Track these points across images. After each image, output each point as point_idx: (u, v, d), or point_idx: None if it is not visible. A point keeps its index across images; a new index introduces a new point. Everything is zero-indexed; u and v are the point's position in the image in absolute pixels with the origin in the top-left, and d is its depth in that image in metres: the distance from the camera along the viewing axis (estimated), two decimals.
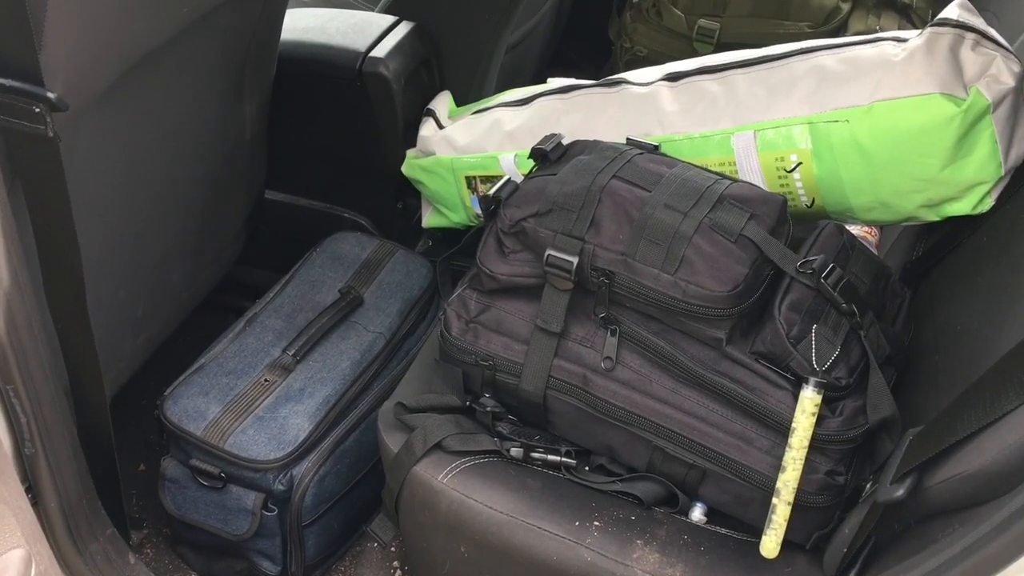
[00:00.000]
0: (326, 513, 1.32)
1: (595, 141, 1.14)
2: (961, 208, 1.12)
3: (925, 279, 1.19)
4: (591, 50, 2.09)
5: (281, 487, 1.27)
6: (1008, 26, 1.43)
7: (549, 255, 1.02)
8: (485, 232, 1.09)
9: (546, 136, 1.17)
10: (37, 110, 0.88)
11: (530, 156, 1.16)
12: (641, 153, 1.10)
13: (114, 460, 1.20)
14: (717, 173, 1.11)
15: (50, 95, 0.88)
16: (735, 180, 1.10)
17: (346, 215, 1.68)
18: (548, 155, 1.13)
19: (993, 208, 1.11)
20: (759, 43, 1.59)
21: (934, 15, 1.65)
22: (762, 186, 1.18)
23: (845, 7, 1.57)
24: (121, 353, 1.33)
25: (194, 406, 1.29)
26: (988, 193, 1.11)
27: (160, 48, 1.11)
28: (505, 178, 1.11)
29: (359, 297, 1.45)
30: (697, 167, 1.11)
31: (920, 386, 1.02)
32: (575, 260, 1.01)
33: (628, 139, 1.17)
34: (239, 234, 1.60)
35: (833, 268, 0.99)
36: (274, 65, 1.47)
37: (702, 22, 1.60)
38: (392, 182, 1.63)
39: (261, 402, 1.30)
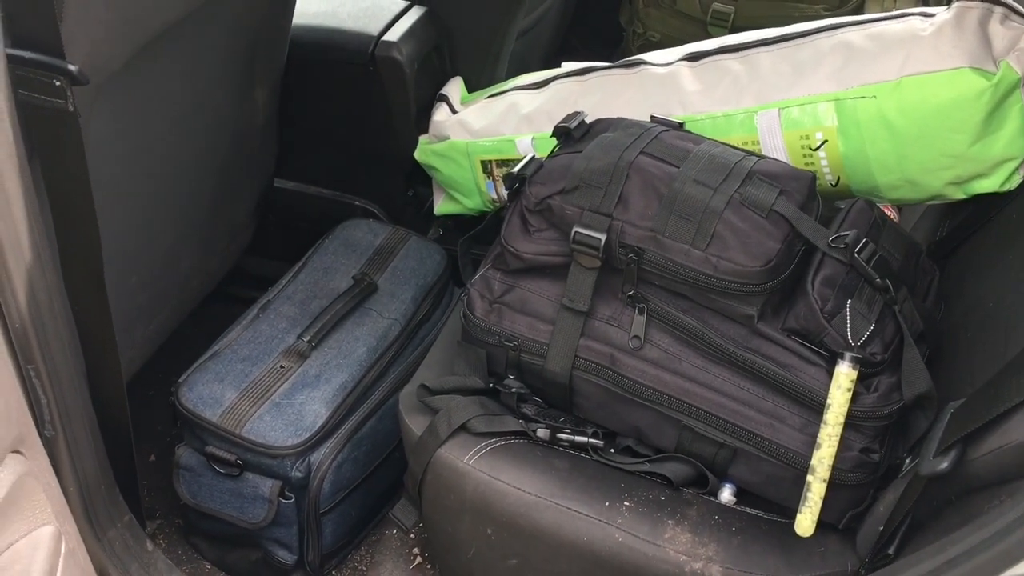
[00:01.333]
0: (344, 500, 1.30)
1: (619, 119, 1.13)
2: (989, 185, 1.11)
3: (952, 258, 1.18)
4: (598, 40, 2.07)
5: (299, 474, 1.25)
6: None
7: (576, 232, 1.01)
8: (509, 211, 1.08)
9: (569, 114, 1.15)
10: (58, 83, 0.87)
11: (553, 134, 1.14)
12: (667, 130, 1.09)
13: (131, 445, 1.18)
14: (745, 150, 1.09)
15: (71, 67, 0.86)
16: (762, 157, 1.08)
17: (357, 203, 1.67)
18: (572, 133, 1.11)
19: (1022, 185, 1.10)
20: (775, 26, 1.58)
21: None
22: (787, 162, 1.16)
23: None
24: (132, 341, 1.31)
25: (210, 392, 1.27)
26: (1017, 169, 1.10)
27: (175, 28, 1.09)
28: (529, 155, 1.09)
29: (373, 283, 1.43)
30: (724, 144, 1.10)
31: (953, 363, 1.00)
32: (603, 237, 0.99)
33: (652, 116, 1.16)
34: (248, 222, 1.58)
35: (866, 243, 0.98)
36: (285, 50, 1.45)
37: (716, 5, 1.58)
38: (403, 169, 1.61)
39: (277, 388, 1.28)
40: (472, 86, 1.57)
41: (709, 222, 0.97)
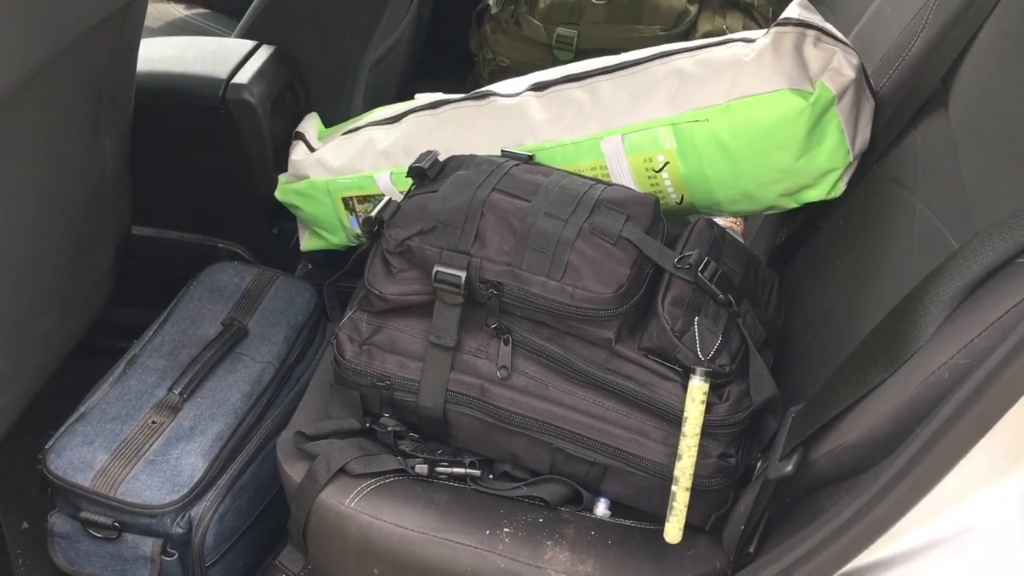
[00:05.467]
0: (229, 551, 1.29)
1: (471, 156, 1.16)
2: (817, 194, 1.20)
3: (790, 263, 1.27)
4: (455, 61, 2.11)
5: (180, 530, 1.24)
6: (842, 18, 1.53)
7: (437, 271, 1.04)
8: (371, 253, 1.10)
9: (422, 154, 1.18)
10: None
11: (408, 174, 1.17)
12: (517, 164, 1.13)
13: None
14: (591, 178, 1.15)
15: None
16: (609, 184, 1.14)
17: (220, 245, 1.65)
18: (426, 172, 1.14)
19: (845, 192, 1.19)
20: (616, 47, 1.65)
21: (775, 13, 1.76)
22: (633, 186, 1.22)
23: (693, 9, 1.65)
24: None
25: (79, 456, 1.24)
26: (840, 179, 1.19)
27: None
28: (385, 199, 1.12)
29: (243, 328, 1.43)
30: (572, 174, 1.15)
31: (796, 365, 1.08)
32: (463, 274, 1.03)
33: (503, 151, 1.20)
34: (108, 274, 1.54)
35: (708, 262, 1.04)
36: (132, 98, 1.43)
37: (560, 30, 1.65)
38: (266, 208, 1.61)
39: (151, 445, 1.26)
40: (329, 120, 1.58)
41: (562, 253, 1.02)
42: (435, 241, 1.05)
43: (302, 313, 1.48)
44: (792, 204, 1.23)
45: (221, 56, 1.52)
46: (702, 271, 1.04)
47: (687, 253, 1.05)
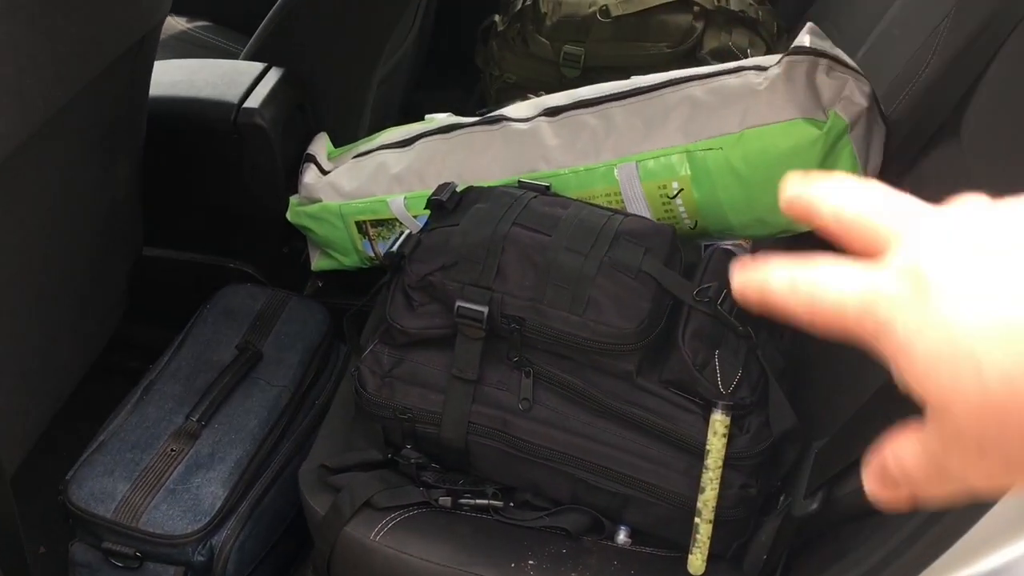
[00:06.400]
0: None
1: (489, 189, 1.17)
2: None
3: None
4: (459, 71, 2.11)
5: (201, 558, 1.25)
6: (848, 37, 1.54)
7: (459, 306, 1.05)
8: (392, 287, 1.11)
9: (440, 185, 1.19)
10: None
11: (426, 207, 1.18)
12: (535, 196, 1.14)
13: (21, 542, 1.15)
14: (608, 208, 1.16)
15: None
16: (626, 214, 1.15)
17: (231, 265, 1.66)
18: (444, 205, 1.15)
19: None
20: (623, 65, 1.66)
21: (778, 27, 1.77)
22: (647, 213, 1.24)
23: (699, 26, 1.66)
24: (11, 437, 1.27)
25: (100, 487, 1.25)
26: None
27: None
28: (406, 232, 1.12)
29: (258, 352, 1.44)
30: (590, 205, 1.16)
31: (814, 394, 1.09)
32: (485, 310, 1.04)
33: (520, 182, 1.21)
34: (122, 297, 1.55)
35: (727, 295, 1.06)
36: (144, 124, 1.43)
37: (567, 48, 1.66)
38: (276, 228, 1.61)
39: (171, 473, 1.27)
40: (338, 140, 1.59)
41: (583, 289, 1.03)
42: (457, 276, 1.06)
43: (316, 335, 1.49)
44: (804, 227, 1.24)
45: (232, 79, 1.52)
46: (721, 303, 1.05)
47: (705, 285, 1.06)
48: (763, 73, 1.19)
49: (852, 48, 1.52)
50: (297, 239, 1.62)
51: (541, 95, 1.56)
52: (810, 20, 1.85)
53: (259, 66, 1.56)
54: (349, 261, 1.50)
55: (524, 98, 1.69)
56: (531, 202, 1.12)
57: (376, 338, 1.13)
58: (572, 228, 1.08)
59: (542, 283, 1.04)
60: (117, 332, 1.56)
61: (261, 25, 1.60)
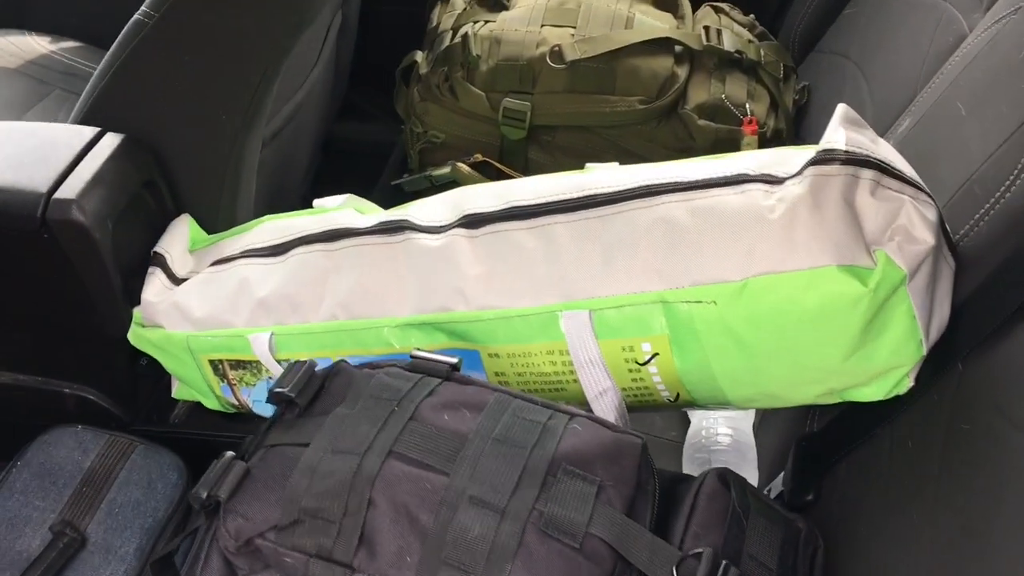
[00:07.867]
0: None
1: (362, 373, 0.77)
2: (872, 394, 0.83)
3: (829, 477, 0.90)
4: (387, 97, 1.71)
5: None
6: (880, 97, 1.14)
7: None
8: (203, 545, 0.71)
9: (291, 364, 0.79)
10: None
11: (268, 400, 0.78)
12: (430, 393, 0.74)
13: None
14: (547, 404, 0.77)
15: None
16: (572, 415, 0.76)
17: (67, 390, 1.26)
18: (295, 402, 0.75)
19: (914, 392, 0.82)
20: (582, 124, 1.26)
21: (785, 69, 1.37)
22: (607, 380, 0.85)
23: (682, 73, 1.24)
24: None
25: None
26: (907, 375, 0.82)
27: None
28: (224, 460, 0.72)
29: (79, 536, 1.05)
30: (518, 396, 0.76)
31: None
32: None
33: (413, 355, 0.81)
34: None
35: (728, 567, 0.67)
36: None
37: (508, 101, 1.24)
38: (123, 344, 1.22)
39: None
40: (210, 220, 1.20)
41: (498, 569, 0.64)
42: (298, 542, 0.67)
43: (163, 506, 1.10)
44: (836, 400, 0.86)
45: (44, 156, 1.11)
46: None
47: (693, 552, 0.67)
48: (776, 189, 0.80)
49: (884, 111, 1.12)
50: None
51: (478, 158, 1.17)
52: (819, 53, 1.45)
53: (89, 131, 1.15)
54: (209, 403, 1.12)
55: (457, 159, 1.30)
56: (422, 406, 0.73)
57: None
58: (484, 456, 0.69)
59: (432, 561, 0.65)
60: None
61: (93, 77, 1.18)
